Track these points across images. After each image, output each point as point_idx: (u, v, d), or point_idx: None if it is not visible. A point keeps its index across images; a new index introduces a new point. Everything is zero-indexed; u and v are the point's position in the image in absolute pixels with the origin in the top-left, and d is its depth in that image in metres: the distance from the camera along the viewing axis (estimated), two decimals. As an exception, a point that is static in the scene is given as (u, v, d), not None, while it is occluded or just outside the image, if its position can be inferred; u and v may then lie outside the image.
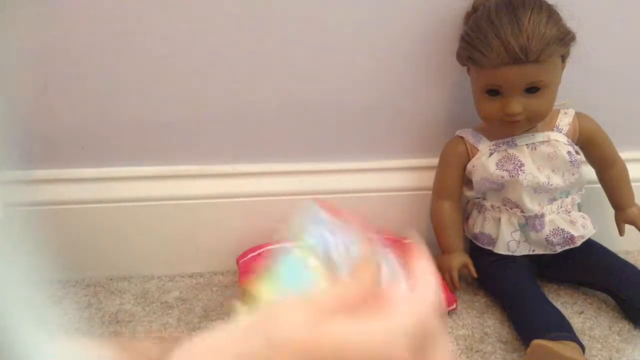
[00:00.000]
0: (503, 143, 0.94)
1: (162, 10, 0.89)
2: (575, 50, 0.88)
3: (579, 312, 0.95)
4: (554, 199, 0.95)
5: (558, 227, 0.94)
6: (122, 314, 0.95)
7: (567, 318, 0.87)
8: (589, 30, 0.88)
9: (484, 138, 0.95)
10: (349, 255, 0.34)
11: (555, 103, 0.90)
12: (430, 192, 1.02)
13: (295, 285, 0.34)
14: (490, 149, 0.94)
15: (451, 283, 0.97)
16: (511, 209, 0.95)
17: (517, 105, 0.86)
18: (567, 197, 0.96)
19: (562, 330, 0.83)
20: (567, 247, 0.95)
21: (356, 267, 0.32)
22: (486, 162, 0.94)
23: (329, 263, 0.34)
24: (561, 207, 0.95)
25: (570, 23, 0.86)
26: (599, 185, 1.01)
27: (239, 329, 0.28)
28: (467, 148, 0.96)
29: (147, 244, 1.03)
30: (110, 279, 1.03)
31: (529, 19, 0.82)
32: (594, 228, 0.96)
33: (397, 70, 0.97)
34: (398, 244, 0.36)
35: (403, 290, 0.32)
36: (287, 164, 1.03)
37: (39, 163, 0.98)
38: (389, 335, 0.27)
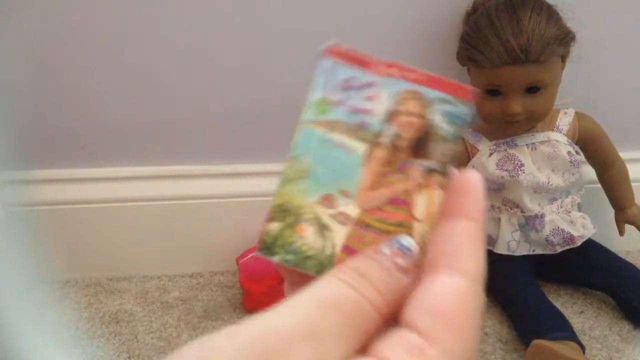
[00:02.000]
0: (503, 143, 0.94)
1: (162, 11, 0.89)
2: (575, 50, 0.88)
3: (579, 312, 0.95)
4: (554, 199, 0.95)
5: (558, 227, 0.94)
6: (122, 314, 0.95)
7: (567, 318, 0.87)
8: (589, 30, 0.88)
9: (484, 138, 0.95)
10: (387, 116, 0.26)
11: (556, 103, 0.90)
12: (430, 192, 1.02)
13: (332, 180, 0.26)
14: (490, 149, 0.94)
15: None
16: (511, 209, 0.95)
17: (517, 105, 0.86)
18: (567, 197, 0.96)
19: (562, 330, 0.83)
20: (567, 247, 0.95)
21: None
22: (486, 162, 0.94)
23: (363, 131, 0.26)
24: (561, 207, 0.95)
25: (570, 23, 0.86)
26: (599, 185, 1.01)
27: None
28: (467, 148, 0.96)
29: (147, 244, 1.03)
30: (110, 279, 1.03)
31: (529, 19, 0.82)
32: (594, 228, 0.96)
33: (397, 70, 0.97)
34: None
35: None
36: (287, 164, 1.02)
37: (39, 163, 0.98)
38: None
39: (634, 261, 1.00)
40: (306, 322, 0.19)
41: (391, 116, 0.26)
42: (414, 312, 0.20)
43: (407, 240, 0.23)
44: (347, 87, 0.28)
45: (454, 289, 0.21)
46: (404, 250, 0.23)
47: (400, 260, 0.22)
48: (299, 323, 0.19)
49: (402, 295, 0.21)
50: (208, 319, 0.93)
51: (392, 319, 0.21)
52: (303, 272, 0.26)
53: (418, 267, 0.22)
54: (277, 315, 0.19)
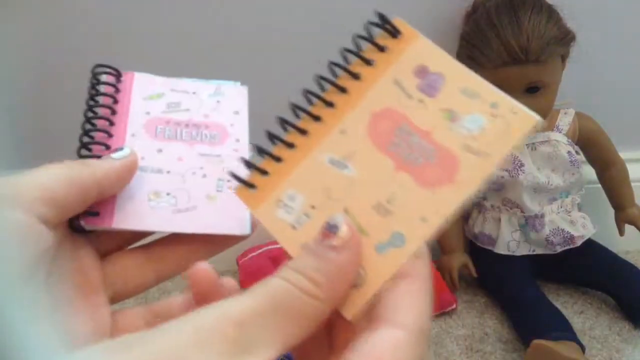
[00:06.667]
0: (503, 143, 0.93)
1: (162, 7, 0.89)
2: (575, 50, 0.88)
3: (579, 312, 0.95)
4: (554, 199, 0.95)
5: (558, 227, 0.94)
6: (122, 314, 0.95)
7: (567, 318, 0.87)
8: (589, 30, 0.88)
9: (484, 138, 0.95)
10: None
11: (556, 103, 0.90)
12: (430, 192, 1.02)
13: None
14: (490, 149, 0.94)
15: (451, 283, 0.97)
16: (511, 209, 0.95)
17: (517, 105, 0.86)
18: (567, 197, 0.96)
19: (562, 330, 0.83)
20: (567, 247, 0.95)
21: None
22: (486, 162, 0.94)
23: None
24: (561, 207, 0.95)
25: (570, 23, 0.86)
26: (599, 185, 1.01)
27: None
28: (467, 148, 0.96)
29: (147, 244, 1.03)
30: (110, 279, 1.03)
31: (529, 19, 0.82)
32: (594, 228, 0.96)
33: (397, 70, 0.97)
34: None
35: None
36: (287, 164, 1.03)
37: (39, 163, 0.98)
38: None
39: (634, 261, 0.99)
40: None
41: None
42: (352, 359, 0.22)
43: (334, 219, 0.24)
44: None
45: (391, 341, 0.22)
46: (331, 230, 0.24)
47: (330, 241, 0.24)
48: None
49: (344, 274, 0.23)
50: (208, 319, 0.93)
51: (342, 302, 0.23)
52: None
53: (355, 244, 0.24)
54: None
